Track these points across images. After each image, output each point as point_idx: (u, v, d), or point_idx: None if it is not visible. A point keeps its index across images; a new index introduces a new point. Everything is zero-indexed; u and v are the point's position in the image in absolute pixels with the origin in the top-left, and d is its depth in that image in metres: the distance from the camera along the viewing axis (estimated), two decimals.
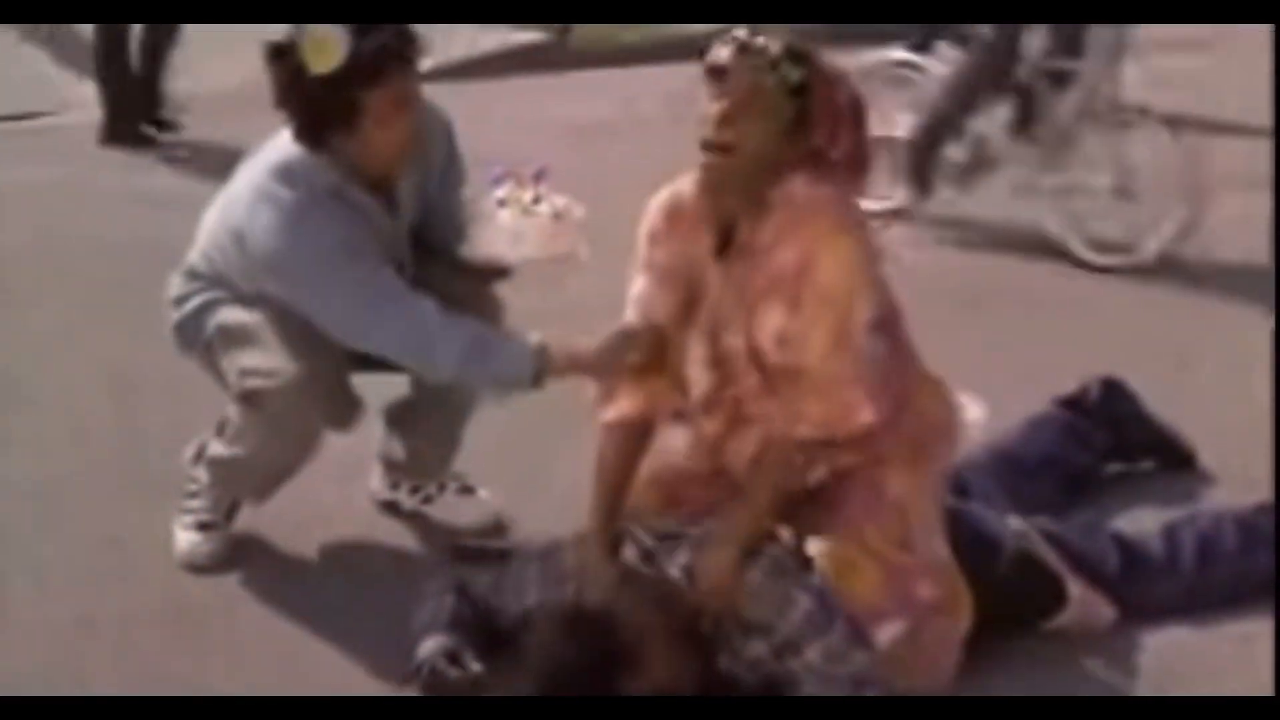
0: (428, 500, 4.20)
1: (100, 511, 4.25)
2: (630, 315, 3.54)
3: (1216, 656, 3.57)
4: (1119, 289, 5.64)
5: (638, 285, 3.53)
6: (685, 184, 3.41)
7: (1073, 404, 4.25)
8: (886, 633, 3.36)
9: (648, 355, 3.51)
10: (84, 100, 8.41)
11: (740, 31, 3.27)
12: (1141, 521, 3.92)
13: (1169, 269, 5.73)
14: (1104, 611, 3.63)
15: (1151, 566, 3.71)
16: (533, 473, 3.88)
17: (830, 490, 3.47)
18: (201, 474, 4.02)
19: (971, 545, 3.53)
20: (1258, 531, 3.77)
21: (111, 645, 3.72)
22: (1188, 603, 3.69)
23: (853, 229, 3.33)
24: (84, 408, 4.86)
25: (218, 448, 3.92)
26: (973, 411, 3.85)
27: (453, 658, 3.44)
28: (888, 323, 3.44)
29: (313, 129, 3.57)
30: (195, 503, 4.04)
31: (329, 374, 3.73)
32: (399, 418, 4.16)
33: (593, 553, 3.49)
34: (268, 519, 4.10)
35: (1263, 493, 3.91)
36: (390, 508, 4.26)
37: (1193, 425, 4.34)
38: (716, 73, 3.24)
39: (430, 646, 3.47)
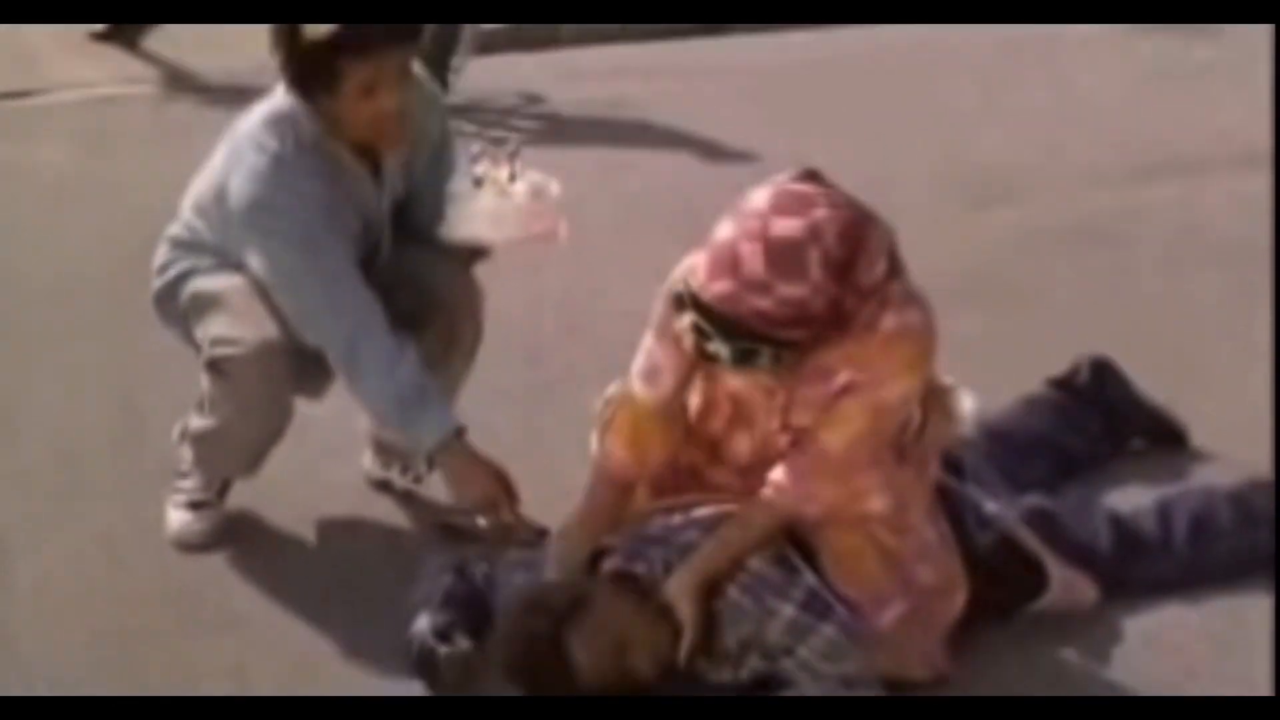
0: (419, 479, 4.18)
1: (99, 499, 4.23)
2: (634, 378, 3.48)
3: (1210, 633, 3.57)
4: (1101, 266, 5.64)
5: (648, 349, 3.44)
6: None
7: (1063, 384, 4.24)
8: (888, 615, 3.37)
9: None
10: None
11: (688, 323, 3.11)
12: (1134, 499, 3.91)
13: (1160, 254, 5.72)
14: (1087, 592, 3.62)
15: (1144, 544, 3.70)
16: (524, 454, 3.88)
17: None
18: (187, 452, 4.02)
19: (951, 525, 3.53)
20: (1251, 508, 3.76)
21: (111, 628, 3.71)
22: (1181, 579, 3.68)
23: (926, 358, 3.27)
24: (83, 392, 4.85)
25: (196, 422, 3.91)
26: (966, 403, 3.84)
27: (443, 635, 3.44)
28: None
29: (300, 84, 3.57)
30: (186, 482, 4.03)
31: (295, 341, 3.70)
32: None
33: (572, 543, 3.51)
34: (262, 498, 4.09)
35: (1256, 470, 3.89)
36: (383, 486, 4.24)
37: (1184, 404, 4.33)
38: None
39: (423, 624, 3.48)
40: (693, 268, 3.11)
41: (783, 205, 3.05)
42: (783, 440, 3.39)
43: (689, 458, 3.58)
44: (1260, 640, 3.52)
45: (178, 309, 3.83)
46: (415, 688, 3.44)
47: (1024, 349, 4.72)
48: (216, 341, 3.70)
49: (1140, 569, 3.68)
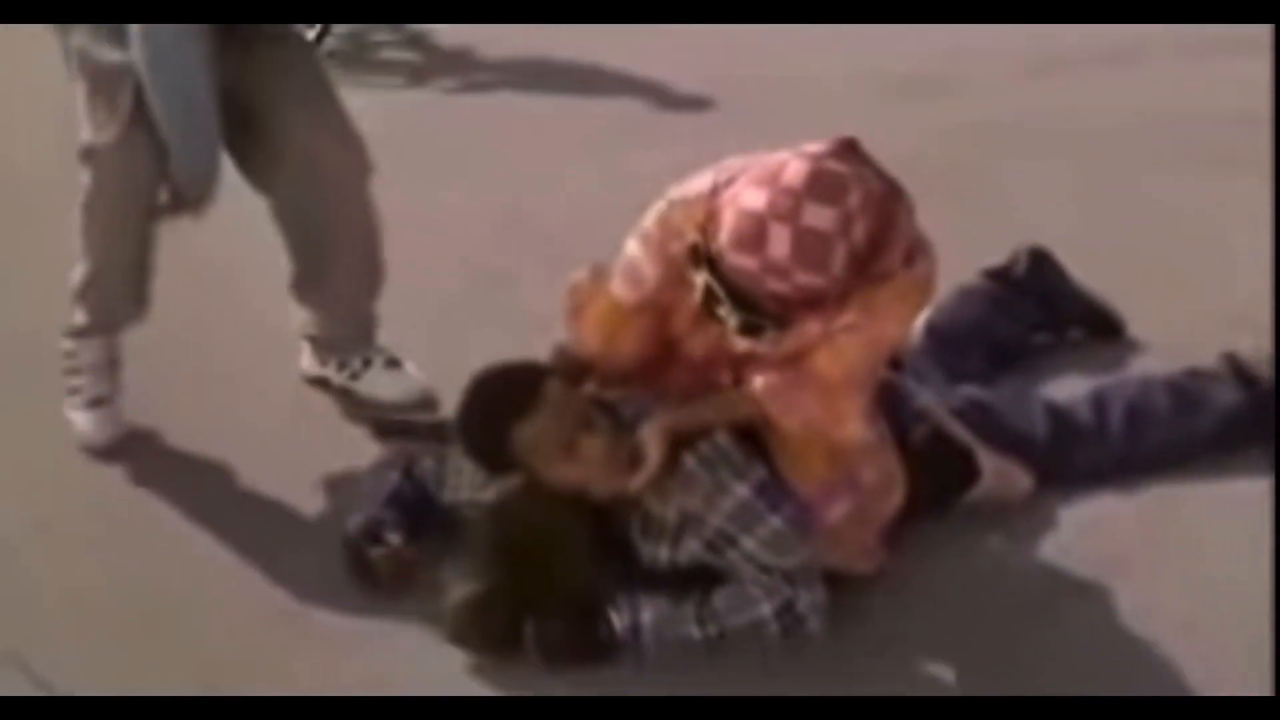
0: (355, 376, 4.17)
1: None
2: (615, 278, 3.47)
3: (1145, 521, 3.59)
4: (1040, 155, 5.63)
5: (634, 257, 3.43)
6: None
7: (1000, 275, 4.23)
8: (835, 511, 3.38)
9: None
10: None
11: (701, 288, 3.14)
12: (1071, 389, 3.91)
13: (1095, 145, 5.72)
14: (1022, 480, 3.64)
15: (1080, 433, 3.71)
16: (462, 356, 3.86)
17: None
18: (69, 343, 4.03)
19: (888, 419, 3.54)
20: (1188, 395, 3.77)
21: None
22: (1117, 468, 3.69)
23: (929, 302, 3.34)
24: None
25: (75, 275, 3.94)
26: None
27: (375, 535, 3.45)
28: None
29: None
30: (78, 380, 4.04)
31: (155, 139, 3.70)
32: (299, 289, 4.14)
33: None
34: (198, 398, 4.07)
35: (1193, 360, 3.90)
36: (320, 384, 4.23)
37: (1120, 294, 4.33)
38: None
39: (357, 521, 3.49)
40: (714, 221, 3.10)
41: (819, 189, 3.02)
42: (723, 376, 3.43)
43: (648, 354, 3.57)
44: (1190, 524, 3.55)
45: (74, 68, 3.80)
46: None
47: (957, 239, 4.68)
48: (89, 127, 3.72)
49: (1076, 458, 3.69)
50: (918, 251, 3.22)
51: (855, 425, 3.35)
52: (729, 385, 3.44)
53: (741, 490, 3.26)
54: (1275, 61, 5.32)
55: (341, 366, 4.18)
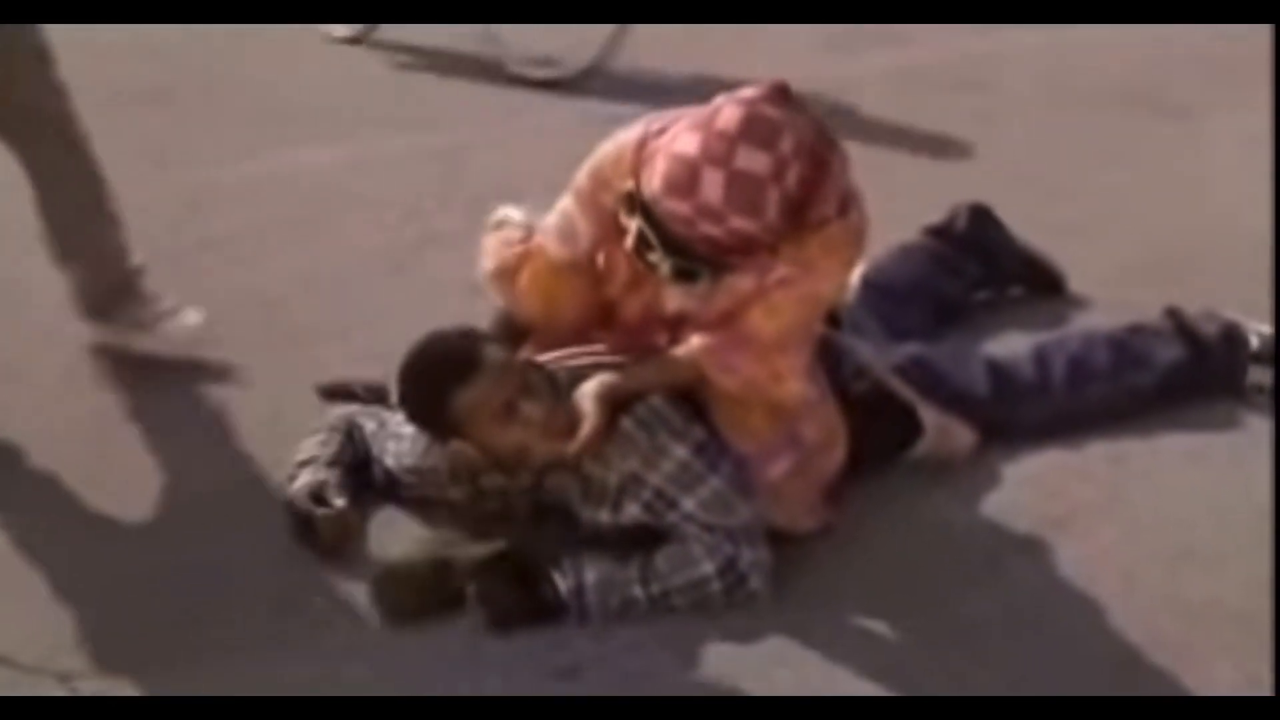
0: (133, 327, 4.14)
1: None
2: (548, 235, 3.45)
3: (1088, 475, 3.60)
4: (981, 112, 5.62)
5: (567, 212, 3.41)
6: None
7: (940, 232, 4.21)
8: (777, 468, 3.37)
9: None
10: None
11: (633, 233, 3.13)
12: (1013, 345, 3.91)
13: (1038, 99, 5.71)
14: (965, 436, 3.64)
15: (1022, 388, 3.71)
16: (396, 315, 3.84)
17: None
18: None
19: (829, 375, 3.53)
20: (1129, 350, 3.77)
21: None
22: (1060, 424, 3.69)
23: (862, 254, 3.31)
24: None
25: None
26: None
27: (318, 496, 3.43)
28: None
29: None
30: None
31: None
32: (51, 247, 4.09)
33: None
34: None
35: (1134, 316, 3.91)
36: (106, 349, 4.19)
37: (1061, 251, 4.33)
38: None
39: (301, 483, 3.47)
40: (647, 167, 3.10)
41: (752, 133, 3.02)
42: (659, 337, 3.43)
43: (581, 318, 3.56)
44: (1136, 481, 3.56)
45: None
46: None
47: (894, 192, 4.71)
48: None
49: (1019, 413, 3.69)
50: (850, 201, 3.22)
51: (795, 383, 3.33)
52: (665, 348, 3.42)
53: (680, 451, 3.25)
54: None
55: (114, 320, 4.15)
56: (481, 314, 3.61)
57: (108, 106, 5.49)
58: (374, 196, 4.98)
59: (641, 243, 3.12)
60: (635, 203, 3.11)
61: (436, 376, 3.25)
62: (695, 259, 3.09)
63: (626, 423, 3.27)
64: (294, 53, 6.33)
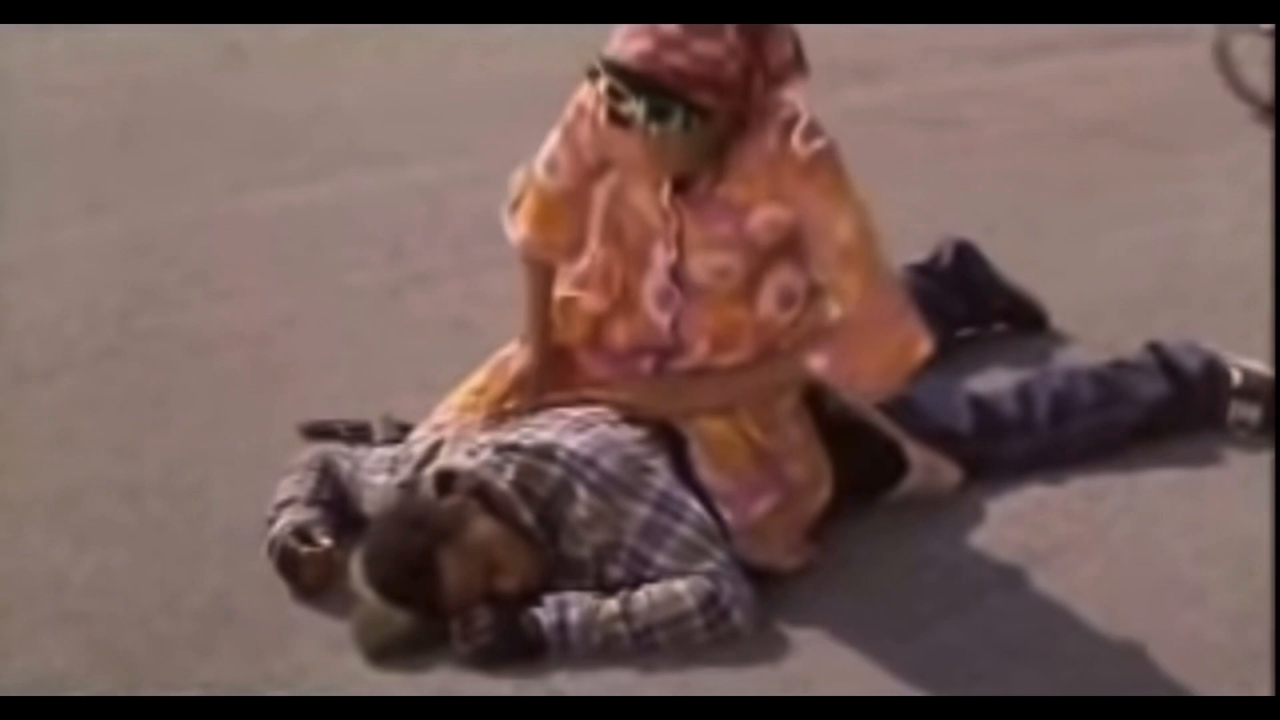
0: None
1: None
2: (538, 164, 3.53)
3: (1071, 511, 3.60)
4: (959, 149, 5.63)
5: (552, 143, 3.49)
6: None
7: (925, 269, 4.22)
8: (759, 507, 3.38)
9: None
10: None
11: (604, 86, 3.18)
12: (996, 382, 3.92)
13: (1016, 131, 5.73)
14: (950, 473, 3.64)
15: (1005, 425, 3.71)
16: (386, 350, 3.83)
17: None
18: None
19: (813, 414, 3.53)
20: (1112, 385, 3.78)
21: None
22: (1043, 459, 3.70)
23: (847, 181, 3.30)
24: None
25: None
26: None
27: (303, 535, 3.43)
28: None
29: None
30: None
31: None
32: None
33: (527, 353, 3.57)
34: None
35: (1116, 353, 3.92)
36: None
37: (1043, 287, 4.34)
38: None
39: (283, 522, 3.46)
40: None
41: (699, 27, 3.12)
42: (663, 318, 3.44)
43: (569, 335, 3.60)
44: (1116, 518, 3.57)
45: None
46: None
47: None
48: None
49: (1002, 450, 3.69)
50: (816, 132, 3.25)
51: (925, 343, 3.35)
52: (651, 374, 3.47)
53: (641, 510, 3.28)
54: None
55: None
56: (465, 352, 3.62)
57: (91, 140, 5.52)
58: (358, 233, 4.98)
59: (614, 100, 3.16)
60: (599, 67, 3.17)
61: (398, 586, 3.26)
62: (667, 95, 3.11)
63: (581, 493, 3.29)
64: (279, 86, 6.33)
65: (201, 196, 5.35)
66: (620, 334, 3.52)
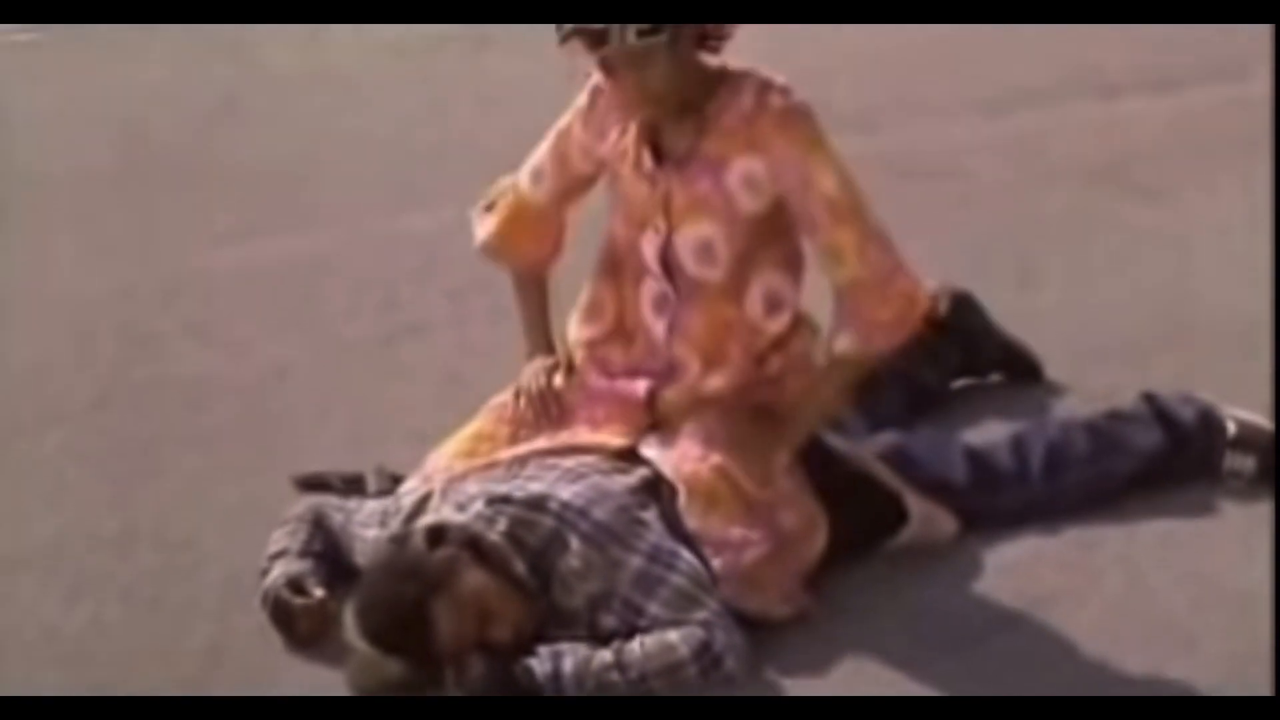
0: None
1: None
2: (524, 171, 3.65)
3: (1066, 561, 3.58)
4: (954, 199, 5.64)
5: (541, 150, 3.62)
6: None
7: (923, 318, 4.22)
8: (749, 555, 3.37)
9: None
10: None
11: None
12: (991, 433, 3.91)
13: (1011, 181, 5.74)
14: (947, 524, 3.63)
15: (1000, 476, 3.70)
16: (379, 401, 3.82)
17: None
18: None
19: (811, 468, 3.53)
20: (1107, 436, 3.76)
21: None
22: (1038, 511, 3.68)
23: (824, 138, 3.37)
24: None
25: None
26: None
27: (297, 586, 3.43)
28: None
29: None
30: None
31: None
32: None
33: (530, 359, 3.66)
34: None
35: (1112, 401, 3.91)
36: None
37: (1037, 337, 4.33)
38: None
39: (277, 574, 3.46)
40: None
41: None
42: (658, 324, 3.52)
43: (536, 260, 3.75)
44: (1109, 567, 3.55)
45: None
46: None
47: None
48: None
49: (997, 501, 3.68)
50: (790, 89, 3.36)
51: (925, 290, 3.46)
52: (646, 400, 3.51)
53: (635, 560, 3.28)
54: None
55: None
56: (458, 403, 3.61)
57: (86, 188, 5.53)
58: (351, 283, 4.99)
59: (599, 41, 3.23)
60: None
61: (390, 636, 3.24)
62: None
63: (574, 543, 3.29)
64: (272, 136, 6.35)
65: (195, 246, 5.36)
66: (617, 357, 3.58)
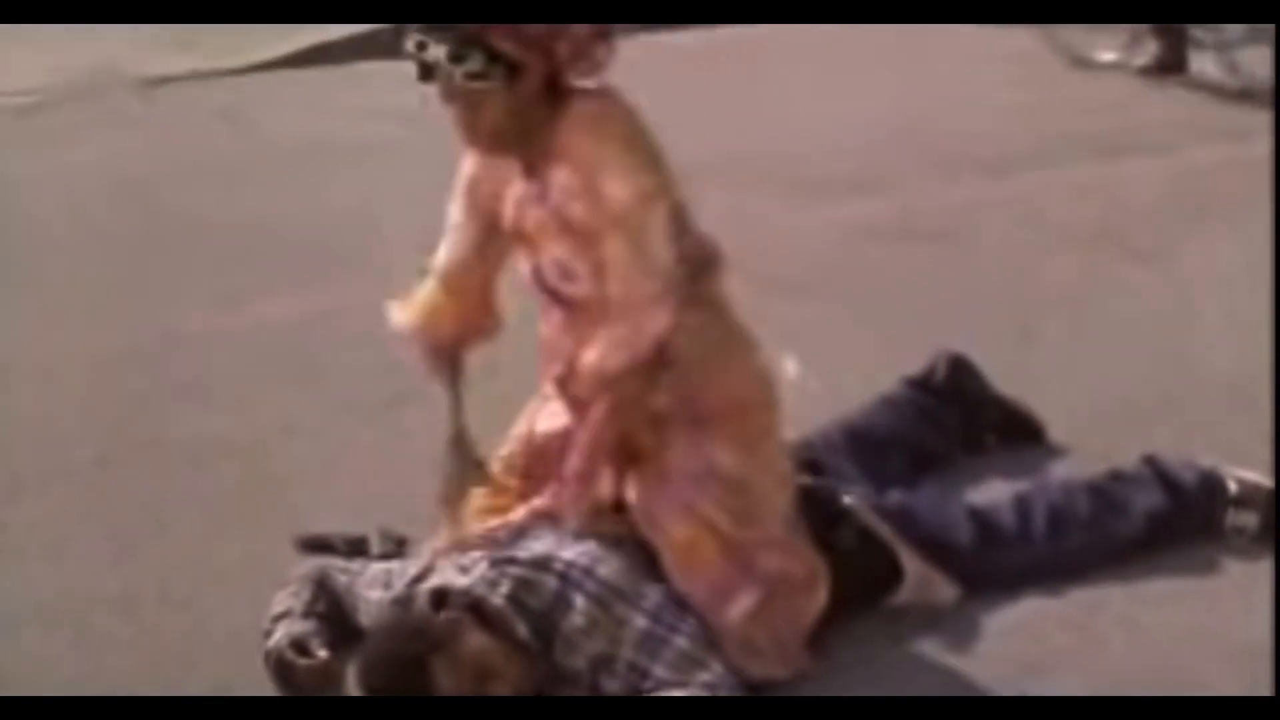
0: None
1: None
2: (442, 249, 3.54)
3: (1069, 622, 3.58)
4: (954, 260, 5.66)
5: (455, 194, 3.52)
6: None
7: (920, 383, 4.23)
8: (738, 608, 3.36)
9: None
10: None
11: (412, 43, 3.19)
12: (993, 494, 3.91)
13: (1012, 246, 5.76)
14: (944, 588, 3.63)
15: (1003, 537, 3.70)
16: (382, 465, 3.82)
17: (659, 465, 3.43)
18: None
19: (811, 522, 3.53)
20: (1109, 498, 3.77)
21: None
22: (1040, 572, 3.68)
23: (620, 136, 3.22)
24: None
25: None
26: (789, 368, 3.86)
27: (300, 647, 3.42)
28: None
29: None
30: None
31: None
32: None
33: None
34: None
35: (1113, 462, 3.92)
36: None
37: (1038, 399, 4.34)
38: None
39: (280, 634, 3.46)
40: None
41: None
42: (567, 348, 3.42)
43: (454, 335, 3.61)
44: (1109, 629, 3.55)
45: None
46: None
47: (869, 344, 4.74)
48: None
49: (999, 562, 3.68)
50: (609, 90, 3.24)
51: (661, 314, 3.20)
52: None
53: (639, 620, 3.27)
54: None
55: None
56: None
57: (88, 249, 5.55)
58: (353, 343, 4.99)
59: (418, 50, 3.16)
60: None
61: (391, 694, 3.22)
62: (465, 38, 3.12)
63: (579, 601, 3.28)
64: (269, 195, 6.37)
65: (196, 306, 5.37)
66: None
